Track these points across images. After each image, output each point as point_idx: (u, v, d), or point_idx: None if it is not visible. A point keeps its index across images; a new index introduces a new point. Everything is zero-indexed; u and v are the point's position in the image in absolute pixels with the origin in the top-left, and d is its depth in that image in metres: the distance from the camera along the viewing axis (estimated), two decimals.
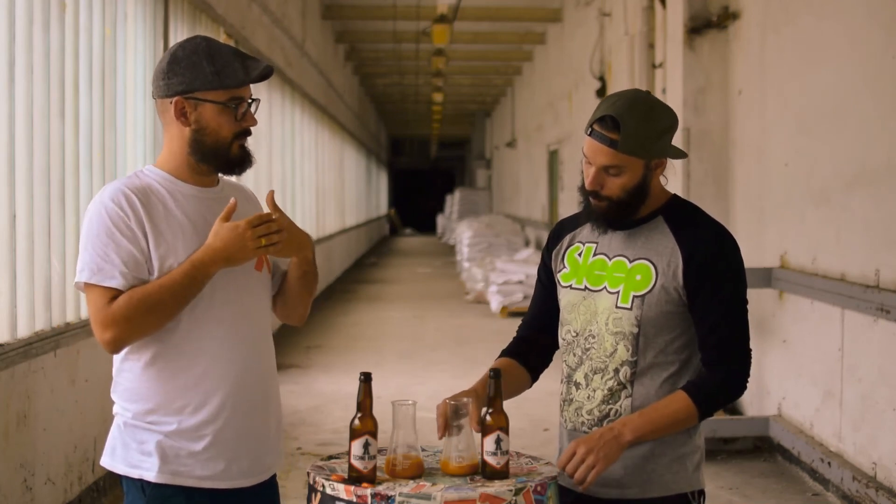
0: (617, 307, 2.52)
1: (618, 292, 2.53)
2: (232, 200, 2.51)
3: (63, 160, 5.17)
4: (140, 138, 6.41)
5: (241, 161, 2.57)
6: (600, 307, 2.55)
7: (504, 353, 2.77)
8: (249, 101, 2.55)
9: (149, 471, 2.49)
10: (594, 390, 2.56)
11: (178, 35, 7.25)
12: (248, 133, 2.58)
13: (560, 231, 2.76)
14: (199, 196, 2.57)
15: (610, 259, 2.57)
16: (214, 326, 2.52)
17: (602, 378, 2.55)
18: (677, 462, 2.54)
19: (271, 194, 2.59)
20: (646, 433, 2.46)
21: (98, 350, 5.28)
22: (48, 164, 4.97)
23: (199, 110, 2.50)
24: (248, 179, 10.24)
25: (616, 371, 2.53)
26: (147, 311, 2.40)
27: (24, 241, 4.73)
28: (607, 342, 2.54)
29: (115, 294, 2.42)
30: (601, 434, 2.43)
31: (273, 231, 2.49)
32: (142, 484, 2.50)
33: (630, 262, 2.54)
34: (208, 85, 2.48)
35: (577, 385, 2.59)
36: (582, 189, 2.55)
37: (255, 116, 2.59)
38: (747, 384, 2.52)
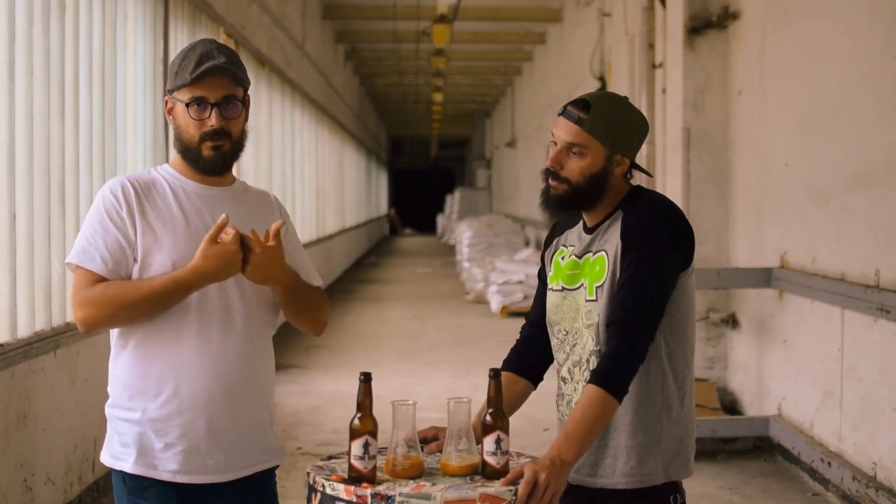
0: (586, 301, 2.57)
1: (586, 287, 2.58)
2: (223, 217, 2.50)
3: (63, 160, 5.17)
4: (140, 138, 6.41)
5: (213, 162, 2.58)
6: (580, 304, 2.60)
7: (503, 366, 2.77)
8: (214, 102, 2.53)
9: (127, 462, 2.55)
10: (577, 382, 2.60)
11: (178, 35, 7.25)
12: (222, 135, 2.56)
13: (552, 234, 2.81)
14: (202, 193, 2.61)
15: (580, 258, 2.63)
16: (190, 322, 2.56)
17: (581, 370, 2.58)
18: (644, 452, 2.53)
19: (278, 226, 2.55)
20: (578, 445, 2.37)
21: (98, 350, 5.28)
22: (48, 164, 4.97)
23: (175, 109, 2.59)
24: (247, 180, 10.24)
25: (587, 362, 2.56)
26: (119, 307, 2.47)
27: (24, 241, 4.73)
28: (584, 336, 2.58)
29: (94, 276, 2.49)
30: (551, 460, 2.34)
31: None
32: (123, 475, 2.57)
33: (593, 256, 2.59)
34: (171, 85, 2.58)
35: (565, 380, 2.65)
36: (544, 171, 2.59)
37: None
38: (646, 344, 2.45)
